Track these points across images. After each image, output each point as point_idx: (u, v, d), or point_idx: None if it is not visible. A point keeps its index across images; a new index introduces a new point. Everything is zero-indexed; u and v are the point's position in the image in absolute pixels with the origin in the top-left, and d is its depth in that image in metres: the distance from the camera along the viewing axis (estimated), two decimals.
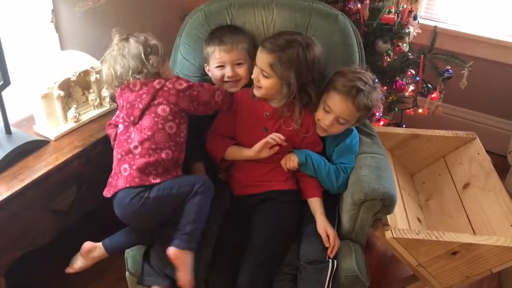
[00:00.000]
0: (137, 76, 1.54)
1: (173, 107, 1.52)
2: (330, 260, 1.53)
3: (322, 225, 1.59)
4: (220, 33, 1.73)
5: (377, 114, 2.45)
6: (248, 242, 1.55)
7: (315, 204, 1.65)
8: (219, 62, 1.71)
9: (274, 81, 1.60)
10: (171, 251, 1.43)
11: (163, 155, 1.49)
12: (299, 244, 1.60)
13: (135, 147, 1.49)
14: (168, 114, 1.52)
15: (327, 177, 1.65)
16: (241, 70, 1.73)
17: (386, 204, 1.58)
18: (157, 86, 1.53)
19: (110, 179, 1.54)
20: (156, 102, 1.52)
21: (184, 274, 1.43)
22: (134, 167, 1.47)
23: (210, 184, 1.52)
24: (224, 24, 1.81)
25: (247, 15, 1.87)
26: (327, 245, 1.55)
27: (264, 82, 1.62)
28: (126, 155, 1.50)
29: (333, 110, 1.62)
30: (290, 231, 1.61)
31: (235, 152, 1.68)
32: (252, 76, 1.67)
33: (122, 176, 1.48)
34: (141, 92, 1.53)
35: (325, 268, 1.51)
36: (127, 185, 1.45)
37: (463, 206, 1.94)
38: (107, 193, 1.53)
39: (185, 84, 1.55)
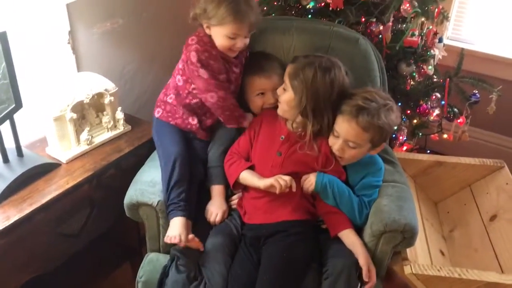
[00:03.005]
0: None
1: (184, 65, 1.65)
2: None
3: (365, 257, 1.50)
4: (255, 61, 1.73)
5: (401, 138, 2.39)
6: (257, 278, 1.48)
7: (351, 236, 1.55)
8: (260, 90, 1.71)
9: (290, 95, 1.58)
10: None
11: (166, 98, 1.73)
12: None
13: None
14: (179, 69, 1.68)
15: (349, 210, 1.57)
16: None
17: (407, 236, 1.51)
18: (188, 41, 1.63)
19: None
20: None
21: None
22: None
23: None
24: (252, 52, 1.81)
25: (267, 40, 1.86)
26: (366, 279, 1.47)
27: (283, 96, 1.61)
28: None
29: (340, 134, 1.55)
30: (300, 266, 1.53)
31: (247, 178, 1.63)
32: (277, 90, 1.65)
33: None
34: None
35: None
36: None
37: (490, 240, 1.84)
38: None
39: (194, 60, 1.60)
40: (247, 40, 1.65)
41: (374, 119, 1.50)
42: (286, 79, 1.59)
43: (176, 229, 1.53)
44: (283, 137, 1.65)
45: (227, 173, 1.68)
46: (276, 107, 1.68)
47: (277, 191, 1.54)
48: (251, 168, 1.66)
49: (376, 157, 1.66)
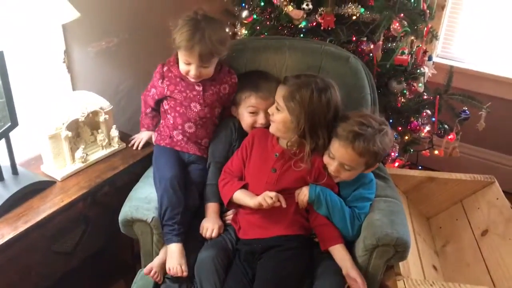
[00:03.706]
0: None
1: None
2: None
3: (355, 270, 1.51)
4: (255, 79, 1.77)
5: (393, 154, 2.41)
6: None
7: (341, 251, 1.56)
8: (254, 109, 1.74)
9: (285, 116, 1.59)
10: None
11: (160, 123, 1.88)
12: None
13: None
14: None
15: (341, 220, 1.59)
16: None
17: (399, 250, 1.52)
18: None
19: None
20: None
21: None
22: None
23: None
24: (253, 70, 1.85)
25: (260, 59, 1.89)
26: None
27: (277, 116, 1.62)
28: None
29: (335, 156, 1.57)
30: (294, 281, 1.54)
31: (240, 198, 1.65)
32: (268, 110, 1.68)
33: None
34: None
35: None
36: None
37: (482, 254, 1.86)
38: None
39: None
40: (206, 70, 1.68)
41: (369, 145, 1.51)
42: (280, 100, 1.60)
43: (175, 259, 1.55)
44: (277, 154, 1.67)
45: (221, 193, 1.70)
46: (267, 126, 1.70)
47: (265, 207, 1.55)
48: (245, 186, 1.67)
49: None
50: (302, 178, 1.64)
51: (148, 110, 1.88)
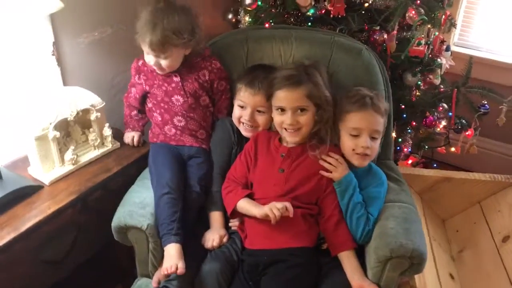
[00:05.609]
0: None
1: None
2: None
3: (356, 283, 1.43)
4: (255, 73, 1.68)
5: (406, 150, 2.29)
6: None
7: (347, 259, 1.49)
8: (241, 102, 1.67)
9: (312, 113, 1.56)
10: None
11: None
12: None
13: None
14: None
15: (353, 220, 1.50)
16: (260, 118, 1.67)
17: (415, 262, 1.41)
18: None
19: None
20: None
21: None
22: None
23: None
24: (262, 63, 1.77)
25: (264, 49, 1.81)
26: None
27: (304, 119, 1.56)
28: None
29: (361, 129, 1.53)
30: None
31: (245, 207, 1.56)
32: (288, 122, 1.56)
33: None
34: None
35: None
36: None
37: (503, 263, 1.73)
38: None
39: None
40: (166, 62, 1.60)
41: (383, 103, 1.59)
42: (305, 101, 1.54)
43: (171, 260, 1.44)
44: (283, 154, 1.60)
45: (225, 201, 1.62)
46: (253, 126, 1.67)
47: (272, 222, 1.46)
48: (249, 195, 1.58)
49: (377, 168, 1.63)
50: (311, 176, 1.56)
51: (134, 112, 1.81)
